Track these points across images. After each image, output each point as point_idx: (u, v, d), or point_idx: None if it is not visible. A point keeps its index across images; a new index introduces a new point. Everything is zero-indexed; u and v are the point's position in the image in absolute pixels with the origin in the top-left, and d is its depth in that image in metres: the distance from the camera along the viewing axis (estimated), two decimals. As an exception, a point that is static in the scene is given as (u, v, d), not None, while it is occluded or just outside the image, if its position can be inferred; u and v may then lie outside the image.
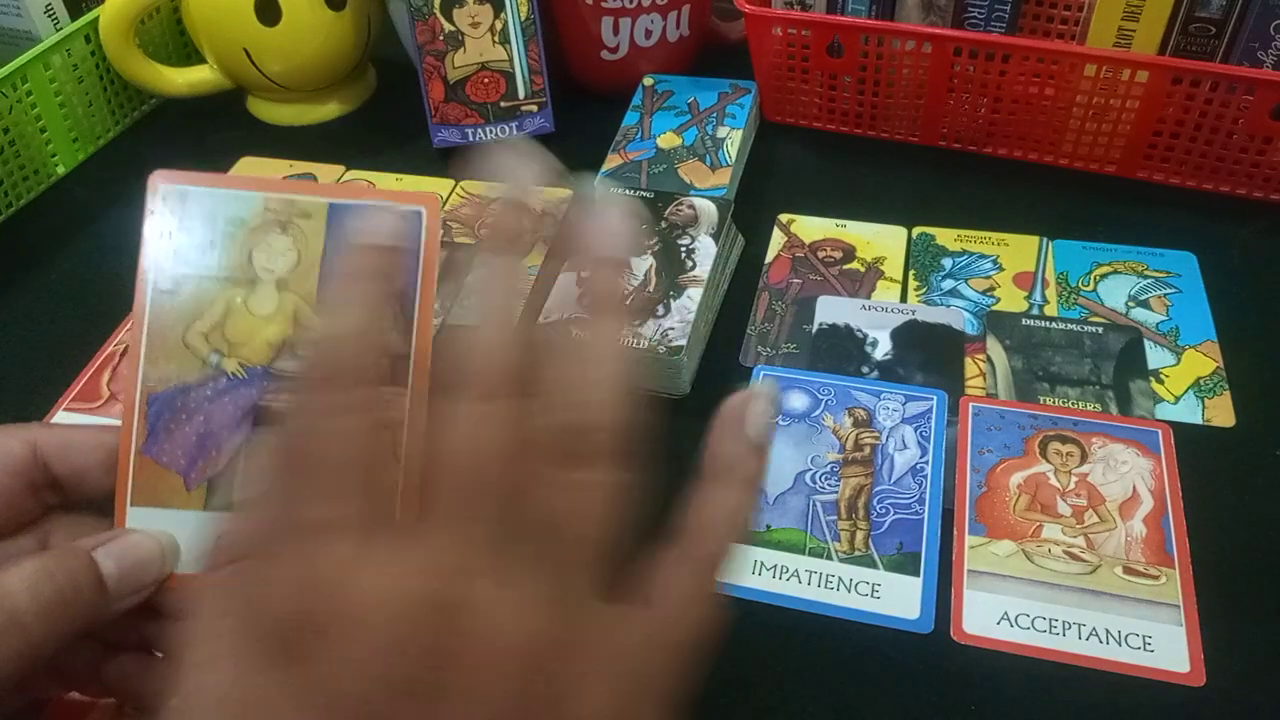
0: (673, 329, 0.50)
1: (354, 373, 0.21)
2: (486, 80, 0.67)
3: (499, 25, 0.66)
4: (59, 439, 0.31)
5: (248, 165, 0.70)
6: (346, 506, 0.20)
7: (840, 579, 0.43)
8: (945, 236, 0.60)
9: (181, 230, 0.32)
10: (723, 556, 0.24)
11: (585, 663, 0.21)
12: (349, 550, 0.20)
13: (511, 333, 0.23)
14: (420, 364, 0.31)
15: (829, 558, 0.44)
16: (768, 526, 0.45)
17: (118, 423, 0.31)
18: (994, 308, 0.56)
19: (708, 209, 0.57)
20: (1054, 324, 0.54)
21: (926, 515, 0.45)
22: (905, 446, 0.48)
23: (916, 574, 0.43)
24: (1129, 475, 0.46)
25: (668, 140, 0.66)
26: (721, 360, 0.54)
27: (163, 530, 0.30)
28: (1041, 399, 0.50)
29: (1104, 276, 0.57)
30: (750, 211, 0.63)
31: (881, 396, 0.50)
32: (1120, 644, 0.40)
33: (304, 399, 0.21)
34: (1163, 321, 0.54)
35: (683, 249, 0.54)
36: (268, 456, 0.21)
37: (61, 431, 0.31)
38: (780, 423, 0.50)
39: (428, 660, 0.19)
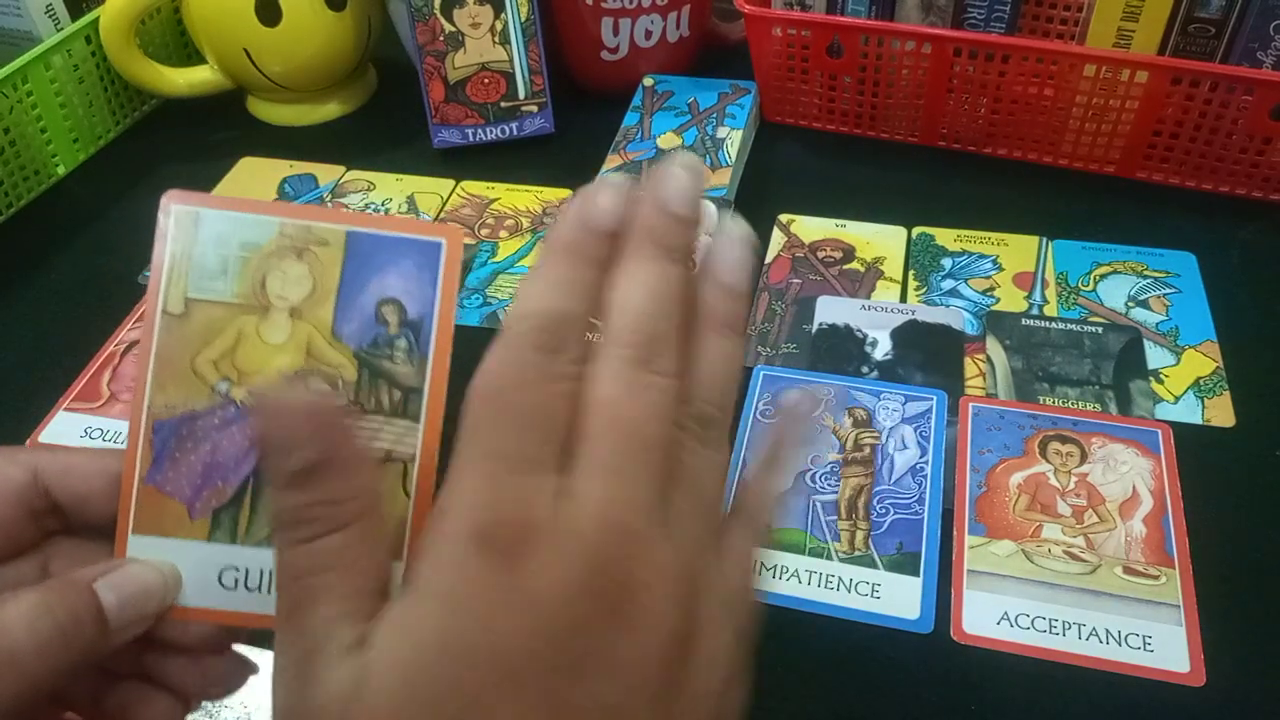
0: (673, 329, 0.50)
1: (572, 347, 0.25)
2: (487, 80, 0.67)
3: (499, 26, 0.66)
4: (60, 464, 0.30)
5: (248, 165, 0.70)
6: (548, 448, 0.23)
7: (840, 579, 0.43)
8: (945, 236, 0.60)
9: (193, 253, 0.32)
10: (770, 532, 0.28)
11: (715, 608, 0.24)
12: (554, 481, 0.23)
13: (671, 307, 0.25)
14: (435, 397, 0.31)
15: (829, 558, 0.44)
16: (768, 526, 0.45)
17: (121, 448, 0.30)
18: (994, 308, 0.56)
19: (708, 209, 0.57)
20: (1054, 324, 0.54)
21: (926, 515, 0.45)
22: (905, 446, 0.48)
23: (916, 574, 0.43)
24: (1129, 475, 0.46)
25: (668, 140, 0.66)
26: (721, 360, 0.54)
27: (165, 560, 0.30)
28: (1041, 399, 0.50)
29: (1104, 276, 0.57)
30: (750, 211, 0.63)
31: (881, 396, 0.50)
32: (1120, 644, 0.41)
33: (526, 355, 0.24)
34: (1162, 321, 0.54)
35: (683, 249, 0.54)
36: (476, 400, 0.24)
37: (63, 456, 0.30)
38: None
39: (621, 578, 0.22)
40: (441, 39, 0.66)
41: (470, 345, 0.57)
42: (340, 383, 0.32)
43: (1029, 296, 0.56)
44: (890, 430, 0.49)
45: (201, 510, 0.31)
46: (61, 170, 0.70)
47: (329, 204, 0.66)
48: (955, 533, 0.45)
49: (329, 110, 0.75)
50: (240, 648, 0.31)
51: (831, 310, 0.56)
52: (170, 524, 0.31)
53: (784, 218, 0.63)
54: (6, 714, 0.26)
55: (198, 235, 0.32)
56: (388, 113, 0.75)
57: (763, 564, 0.44)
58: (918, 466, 0.47)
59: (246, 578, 0.30)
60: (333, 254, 0.32)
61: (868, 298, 0.57)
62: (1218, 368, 0.52)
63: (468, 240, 0.62)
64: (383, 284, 0.33)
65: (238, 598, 0.29)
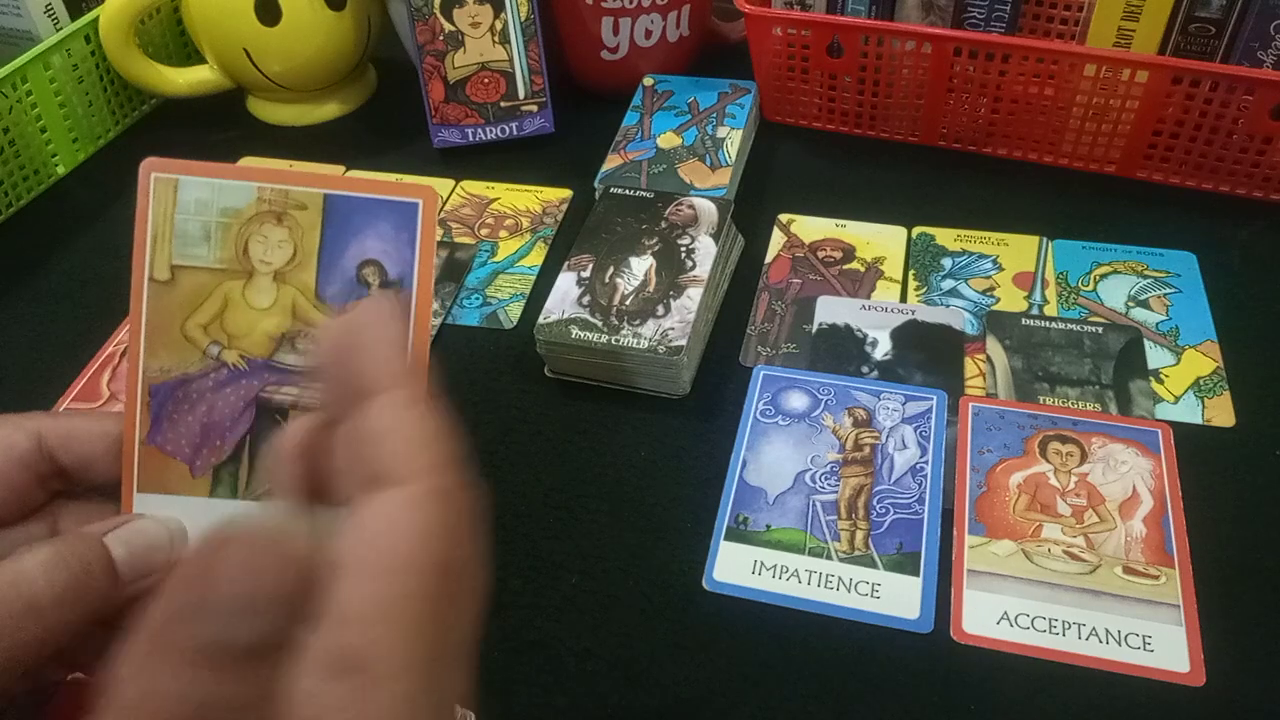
0: (673, 329, 0.50)
1: None
2: (486, 80, 0.67)
3: (499, 25, 0.66)
4: (63, 428, 0.31)
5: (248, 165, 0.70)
6: None
7: (840, 579, 0.43)
8: (945, 236, 0.60)
9: (175, 220, 0.32)
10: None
11: None
12: None
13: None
14: (418, 353, 0.31)
15: (829, 557, 0.44)
16: (768, 526, 0.45)
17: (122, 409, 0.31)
18: (994, 308, 0.56)
19: (708, 209, 0.57)
20: (1054, 324, 0.54)
21: (926, 515, 0.45)
22: (905, 446, 0.48)
23: (916, 574, 0.43)
24: (1129, 475, 0.46)
25: (668, 140, 0.66)
26: (721, 360, 0.54)
27: (170, 515, 0.31)
28: (1041, 399, 0.50)
29: (1104, 276, 0.57)
30: (750, 211, 0.63)
31: (881, 396, 0.50)
32: (1120, 644, 0.40)
33: None
34: (1162, 321, 0.54)
35: (683, 249, 0.55)
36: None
37: (65, 420, 0.31)
38: (780, 423, 0.50)
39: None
40: (441, 39, 0.66)
41: (470, 344, 0.59)
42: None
43: (1029, 296, 0.56)
44: (890, 430, 0.49)
45: (202, 468, 0.32)
46: (61, 170, 0.70)
47: (329, 204, 0.66)
48: (955, 532, 0.45)
49: (329, 110, 0.75)
50: None
51: (831, 310, 0.56)
52: (173, 482, 0.32)
53: (784, 218, 0.63)
54: (24, 663, 0.26)
55: (178, 202, 0.32)
56: (388, 113, 0.75)
57: (760, 563, 0.44)
58: (918, 466, 0.47)
59: None
60: (311, 217, 0.33)
61: (868, 298, 0.57)
62: (1218, 368, 0.52)
63: (468, 240, 0.62)
64: (362, 246, 0.33)
65: None
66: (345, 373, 0.24)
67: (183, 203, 0.33)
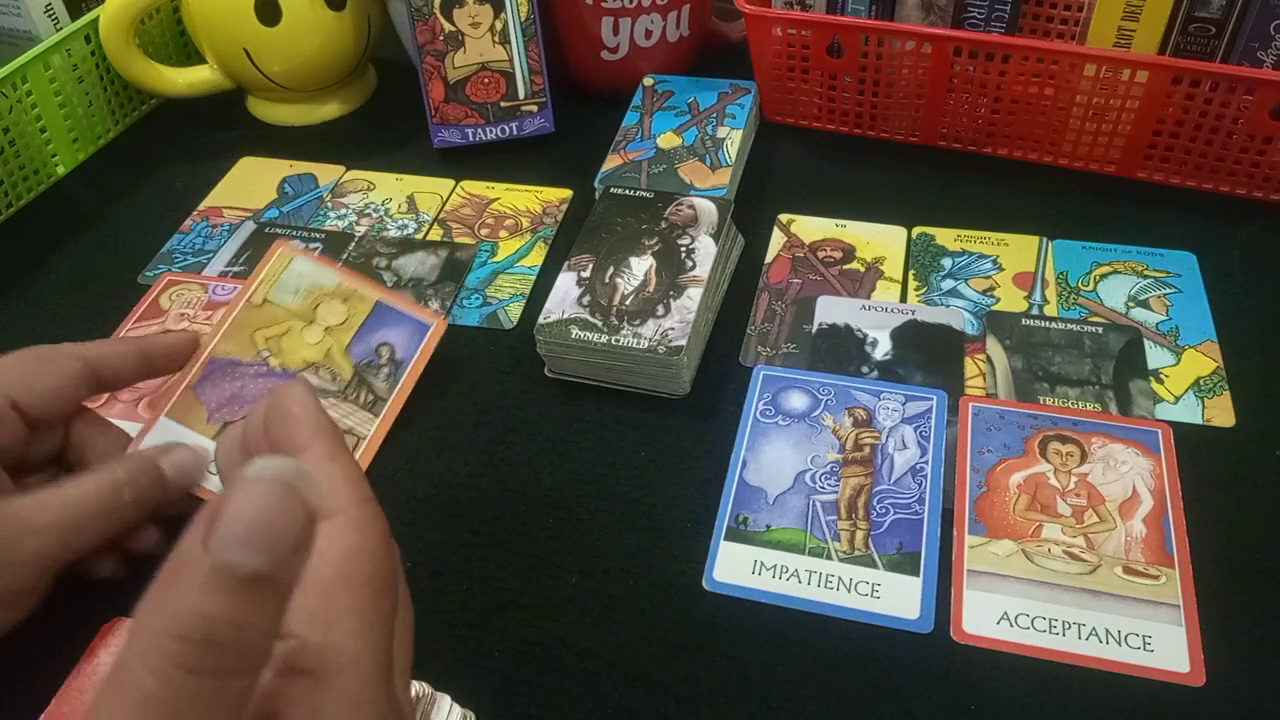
0: (673, 329, 0.50)
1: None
2: (486, 80, 0.67)
3: (499, 25, 0.66)
4: (99, 353, 0.43)
5: (247, 165, 0.70)
6: None
7: (840, 579, 0.43)
8: (945, 236, 0.60)
9: (281, 276, 0.51)
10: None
11: None
12: None
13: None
14: (393, 408, 0.49)
15: (829, 558, 0.44)
16: (768, 526, 0.45)
17: (145, 334, 0.53)
18: (994, 308, 0.56)
19: (708, 209, 0.57)
20: (1054, 324, 0.54)
21: (926, 515, 0.45)
22: (905, 446, 0.48)
23: (916, 574, 0.43)
24: (1129, 475, 0.46)
25: (668, 140, 0.66)
26: (721, 360, 0.54)
27: (200, 445, 0.44)
28: (1041, 399, 0.50)
29: (1104, 276, 0.57)
30: (750, 211, 0.63)
31: (881, 396, 0.50)
32: (1120, 644, 0.40)
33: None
34: (1163, 321, 0.54)
35: (682, 249, 0.55)
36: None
37: (102, 347, 0.44)
38: (780, 423, 0.50)
39: None
40: (441, 38, 0.66)
41: (470, 344, 0.59)
42: (338, 379, 0.49)
43: (1029, 296, 0.56)
44: (890, 430, 0.49)
45: (215, 419, 0.48)
46: (61, 170, 0.70)
47: (329, 203, 0.66)
48: (955, 533, 0.45)
49: (329, 110, 0.75)
50: None
51: (831, 310, 0.56)
52: (192, 420, 0.48)
53: (784, 218, 0.63)
54: (104, 542, 0.40)
55: (289, 268, 0.52)
56: (388, 112, 0.75)
57: (760, 563, 0.44)
58: (918, 466, 0.47)
59: None
60: (364, 307, 0.52)
61: (868, 298, 0.57)
62: (1218, 368, 0.52)
63: (468, 240, 0.62)
64: (387, 334, 0.51)
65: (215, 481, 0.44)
66: (276, 432, 0.31)
67: (291, 268, 0.52)
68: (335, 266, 0.52)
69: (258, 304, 0.49)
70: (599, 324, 0.51)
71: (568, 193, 0.66)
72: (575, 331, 0.51)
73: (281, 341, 0.49)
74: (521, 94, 0.68)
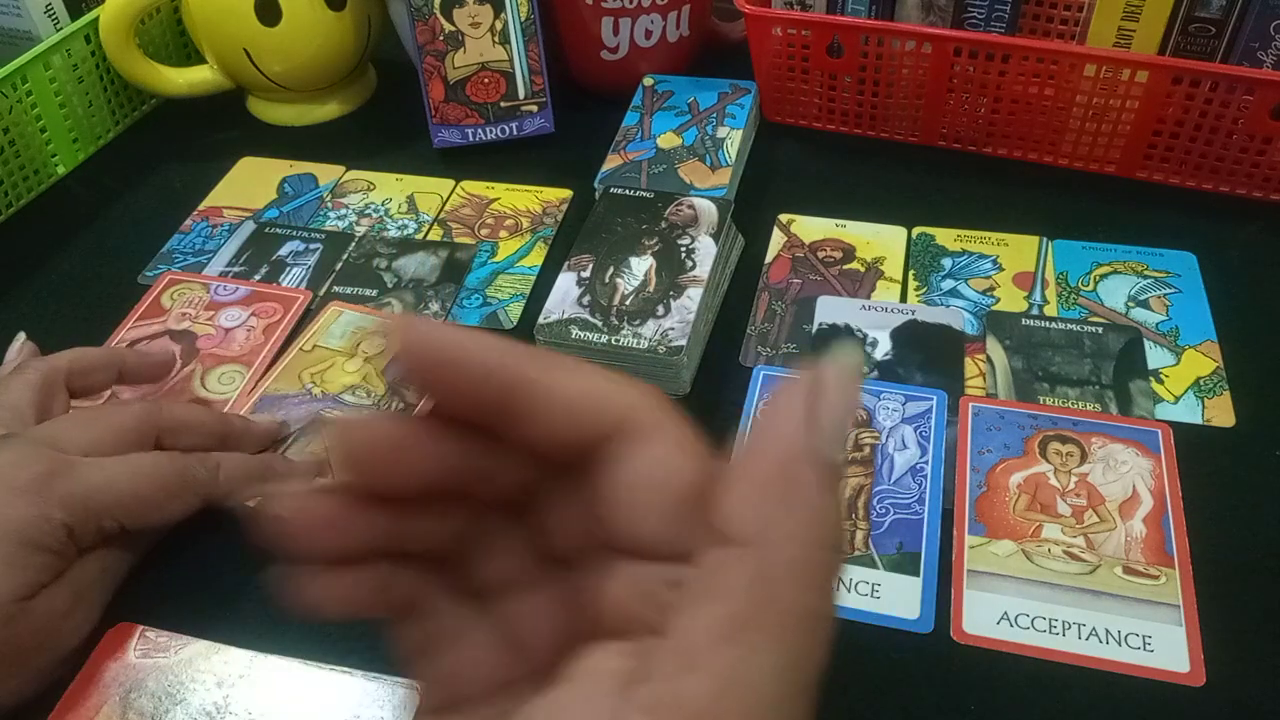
0: (673, 329, 0.50)
1: None
2: (486, 80, 0.67)
3: (499, 25, 0.66)
4: (81, 361, 0.48)
5: (247, 165, 0.70)
6: None
7: (840, 579, 0.43)
8: (945, 236, 0.60)
9: (329, 326, 0.56)
10: None
11: None
12: None
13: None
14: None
15: (829, 558, 0.44)
16: (768, 526, 0.45)
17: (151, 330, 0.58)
18: (994, 308, 0.56)
19: (708, 209, 0.57)
20: (1054, 324, 0.54)
21: (926, 515, 0.45)
22: (905, 446, 0.48)
23: (916, 574, 0.43)
24: (1129, 475, 0.46)
25: (668, 140, 0.66)
26: (721, 360, 0.54)
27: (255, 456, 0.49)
28: (1041, 399, 0.50)
29: (1104, 276, 0.57)
30: (750, 211, 0.63)
31: (881, 396, 0.50)
32: (1120, 644, 0.40)
33: None
34: (1163, 321, 0.54)
35: (683, 249, 0.55)
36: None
37: (81, 355, 0.48)
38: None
39: None
40: (441, 39, 0.66)
41: None
42: (373, 394, 0.53)
43: (1029, 296, 0.56)
44: (890, 430, 0.49)
45: None
46: (61, 170, 0.70)
47: (329, 203, 0.66)
48: (955, 533, 0.45)
49: (329, 110, 0.75)
50: None
51: (831, 310, 0.56)
52: None
53: (784, 218, 0.63)
54: (169, 526, 0.44)
55: (338, 320, 0.57)
56: (388, 113, 0.75)
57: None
58: (918, 466, 0.47)
59: None
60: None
61: (868, 298, 0.57)
62: (1218, 368, 0.52)
63: (468, 240, 0.62)
64: None
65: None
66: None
67: (340, 321, 0.57)
68: (379, 313, 0.57)
69: (308, 350, 0.55)
70: (599, 324, 0.51)
71: (568, 193, 0.66)
72: (575, 331, 0.51)
73: (324, 374, 0.53)
74: (521, 94, 0.68)
